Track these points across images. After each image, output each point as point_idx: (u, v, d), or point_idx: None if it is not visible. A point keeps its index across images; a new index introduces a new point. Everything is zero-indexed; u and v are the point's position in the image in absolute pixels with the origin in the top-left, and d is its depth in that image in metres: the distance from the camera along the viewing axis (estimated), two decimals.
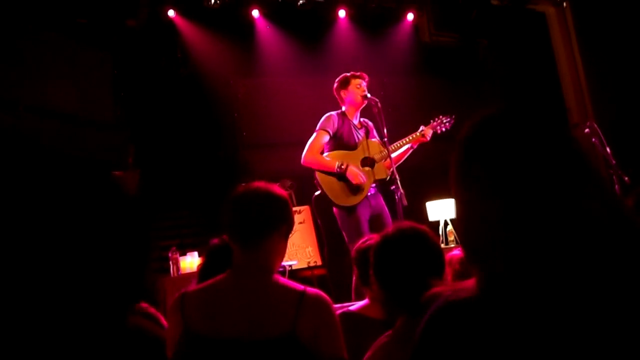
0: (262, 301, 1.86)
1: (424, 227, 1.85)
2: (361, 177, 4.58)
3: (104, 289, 1.01)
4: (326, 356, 1.82)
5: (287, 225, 2.06)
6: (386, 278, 1.81)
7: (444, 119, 4.96)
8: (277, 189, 2.06)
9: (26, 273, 1.00)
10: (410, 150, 4.85)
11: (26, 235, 1.03)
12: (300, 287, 1.90)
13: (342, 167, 4.60)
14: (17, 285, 1.01)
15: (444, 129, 4.94)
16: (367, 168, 4.70)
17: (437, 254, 1.81)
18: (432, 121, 4.95)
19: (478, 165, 1.06)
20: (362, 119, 4.90)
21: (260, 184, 2.04)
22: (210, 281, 1.98)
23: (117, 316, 1.03)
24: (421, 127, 4.86)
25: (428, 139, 4.82)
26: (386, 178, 4.71)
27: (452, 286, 1.10)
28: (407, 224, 1.87)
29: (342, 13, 7.24)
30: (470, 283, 1.07)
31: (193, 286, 2.02)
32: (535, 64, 7.11)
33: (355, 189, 4.61)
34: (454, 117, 4.95)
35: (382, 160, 4.73)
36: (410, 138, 4.80)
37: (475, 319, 1.01)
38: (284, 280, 1.94)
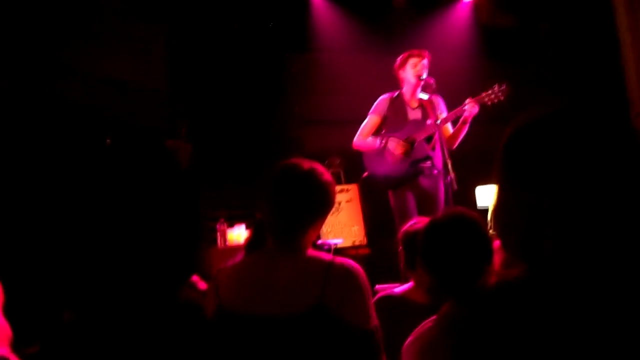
0: (291, 276, 1.83)
1: (474, 214, 1.82)
2: (400, 148, 4.57)
3: (156, 262, 1.03)
4: (354, 326, 1.79)
5: (326, 215, 1.99)
6: (433, 264, 1.79)
7: (496, 89, 4.46)
8: (319, 173, 1.95)
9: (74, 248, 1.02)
10: (465, 128, 4.57)
11: (77, 204, 1.05)
12: (328, 257, 1.87)
13: (383, 141, 4.63)
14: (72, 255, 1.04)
15: (495, 101, 4.45)
16: (408, 147, 4.65)
17: (486, 242, 1.78)
18: (482, 92, 4.50)
19: (522, 170, 1.06)
20: (426, 96, 4.74)
21: (302, 166, 1.94)
22: (243, 259, 1.96)
23: (169, 290, 1.04)
24: (467, 100, 4.49)
25: (475, 112, 4.47)
26: (424, 158, 4.62)
27: (501, 275, 1.10)
28: (457, 209, 1.84)
29: None
30: (517, 272, 1.06)
31: (231, 261, 1.99)
32: (598, 50, 6.87)
33: (398, 169, 4.59)
34: (504, 86, 4.44)
35: (425, 139, 4.63)
36: (456, 111, 4.53)
37: (523, 309, 1.01)
38: (314, 253, 1.90)
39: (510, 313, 1.02)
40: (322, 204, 1.95)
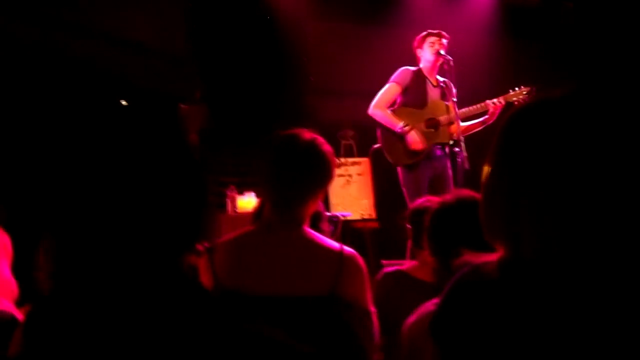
0: (298, 258, 1.82)
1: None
2: (419, 144, 4.55)
3: (158, 225, 1.02)
4: (360, 308, 1.84)
5: (326, 186, 1.98)
6: (440, 245, 1.79)
7: (524, 89, 4.58)
8: (320, 143, 1.93)
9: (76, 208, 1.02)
10: (481, 126, 4.64)
11: (80, 163, 1.05)
12: (335, 246, 1.87)
13: (405, 129, 4.58)
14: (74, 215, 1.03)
15: (521, 100, 4.49)
16: (430, 129, 4.65)
17: None
18: (510, 91, 4.62)
19: (516, 154, 1.03)
20: (441, 79, 4.79)
21: (303, 137, 1.91)
22: (239, 233, 1.93)
23: (170, 256, 1.04)
24: (494, 100, 4.56)
25: (498, 110, 4.54)
26: (448, 142, 4.64)
27: (480, 256, 1.10)
28: (466, 192, 1.83)
29: None
30: (495, 256, 1.06)
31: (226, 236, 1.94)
32: (622, 34, 6.75)
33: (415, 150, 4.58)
34: (534, 88, 4.53)
35: (447, 123, 4.63)
36: (482, 106, 4.58)
37: (496, 295, 1.01)
38: (317, 236, 1.90)
39: (480, 299, 1.02)
40: (323, 175, 1.93)
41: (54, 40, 5.03)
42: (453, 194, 1.87)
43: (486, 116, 4.60)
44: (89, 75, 5.02)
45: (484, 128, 4.68)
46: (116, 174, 1.04)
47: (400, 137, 4.61)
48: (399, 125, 4.62)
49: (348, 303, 1.80)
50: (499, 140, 1.07)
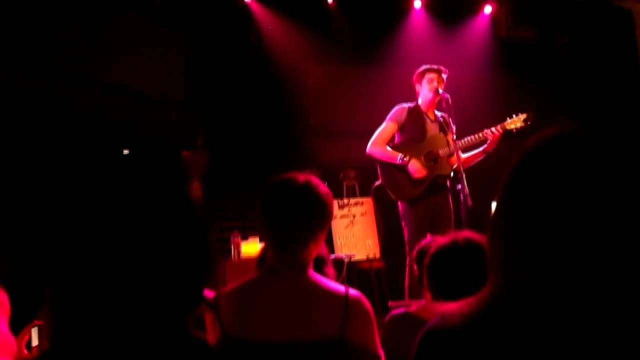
0: (303, 303, 1.80)
1: (480, 239, 1.79)
2: (421, 171, 4.55)
3: (163, 285, 1.00)
4: (367, 352, 1.81)
5: (326, 228, 1.96)
6: (438, 289, 1.78)
7: (521, 116, 4.62)
8: (315, 185, 1.92)
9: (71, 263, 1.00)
10: (483, 156, 4.68)
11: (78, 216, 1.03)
12: (340, 289, 1.85)
13: (405, 159, 4.60)
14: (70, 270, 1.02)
15: (520, 128, 4.58)
16: (430, 162, 4.66)
17: None
18: (507, 119, 4.65)
19: (535, 191, 1.00)
20: (439, 113, 4.82)
21: (298, 180, 1.91)
22: (243, 281, 1.91)
23: (177, 317, 1.01)
24: (492, 129, 4.61)
25: (496, 138, 4.57)
26: (449, 174, 4.64)
27: (448, 306, 1.08)
28: (464, 234, 1.82)
29: (417, 3, 7.11)
30: (464, 304, 1.04)
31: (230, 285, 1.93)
32: (618, 64, 6.81)
33: (417, 182, 4.59)
34: (531, 114, 4.61)
35: (446, 156, 4.65)
36: (480, 136, 4.61)
37: (461, 345, 0.99)
38: (321, 279, 1.88)
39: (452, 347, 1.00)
40: (321, 217, 1.91)
41: (55, 91, 5.08)
42: (450, 236, 1.85)
43: (485, 145, 4.62)
44: (91, 125, 5.05)
45: (487, 166, 4.69)
46: (117, 227, 1.03)
47: (402, 168, 4.62)
48: (398, 157, 4.64)
49: (356, 347, 1.77)
50: (510, 177, 1.05)
